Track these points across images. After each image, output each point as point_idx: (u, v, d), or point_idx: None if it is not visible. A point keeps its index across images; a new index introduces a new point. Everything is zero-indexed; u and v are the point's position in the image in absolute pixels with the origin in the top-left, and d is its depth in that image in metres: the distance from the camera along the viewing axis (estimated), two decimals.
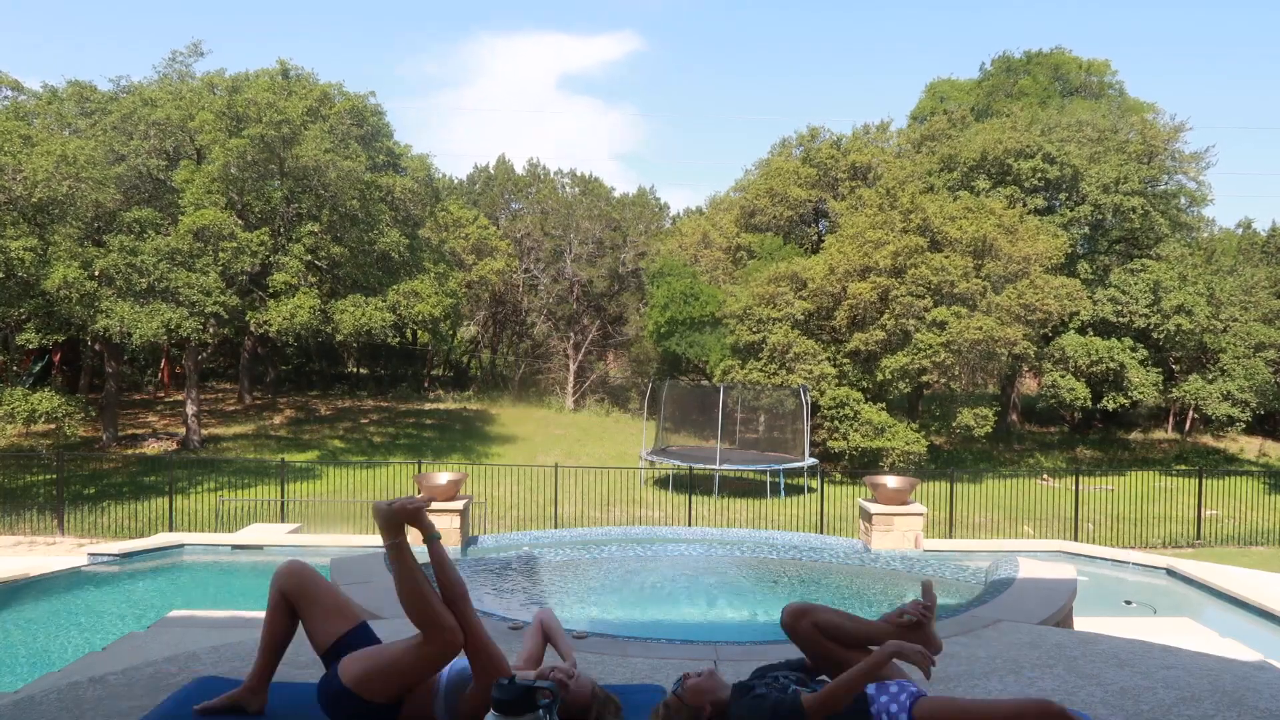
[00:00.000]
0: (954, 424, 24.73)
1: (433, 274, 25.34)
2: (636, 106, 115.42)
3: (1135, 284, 26.65)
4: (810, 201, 30.69)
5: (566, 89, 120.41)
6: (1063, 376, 26.08)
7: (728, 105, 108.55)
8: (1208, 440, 31.85)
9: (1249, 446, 30.99)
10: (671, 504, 19.04)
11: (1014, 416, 33.53)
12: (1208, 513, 17.07)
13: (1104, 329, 26.93)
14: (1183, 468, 24.31)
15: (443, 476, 9.90)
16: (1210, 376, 26.61)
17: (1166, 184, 29.26)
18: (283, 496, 16.05)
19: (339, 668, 3.15)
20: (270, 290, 22.12)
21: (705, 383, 27.56)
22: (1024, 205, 27.07)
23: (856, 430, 22.64)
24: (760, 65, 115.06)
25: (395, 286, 23.82)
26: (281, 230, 23.09)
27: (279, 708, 3.45)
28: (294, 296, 21.82)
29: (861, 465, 22.12)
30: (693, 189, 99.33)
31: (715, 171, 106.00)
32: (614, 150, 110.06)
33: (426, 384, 39.34)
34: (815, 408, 23.13)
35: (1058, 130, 29.15)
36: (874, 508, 10.03)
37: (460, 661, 3.34)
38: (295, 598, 3.35)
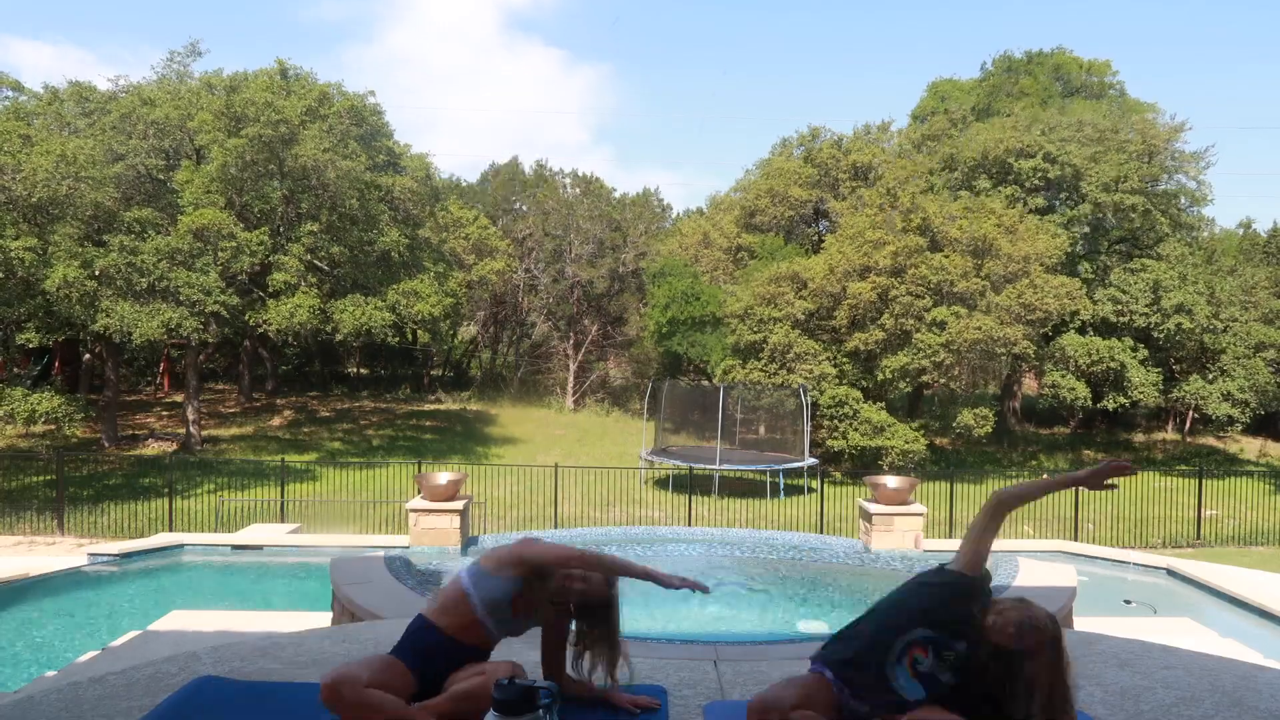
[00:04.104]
0: (954, 424, 24.71)
1: (432, 274, 25.31)
2: (614, 65, 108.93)
3: (1135, 284, 26.62)
4: (810, 202, 30.68)
5: (513, 31, 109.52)
6: (1063, 376, 26.05)
7: (728, 105, 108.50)
8: (1209, 440, 31.83)
9: (1249, 447, 30.97)
10: (671, 504, 19.03)
11: (1014, 422, 33.51)
12: (1208, 513, 17.07)
13: (1104, 329, 26.90)
14: (1183, 468, 24.28)
15: (442, 476, 9.88)
16: (1211, 376, 26.59)
17: (1167, 184, 29.24)
18: (282, 497, 16.05)
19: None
20: (270, 290, 22.11)
21: (705, 383, 27.54)
22: (1024, 205, 27.05)
23: (856, 429, 22.63)
24: (760, 65, 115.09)
25: (395, 286, 23.78)
26: (281, 230, 23.08)
27: (283, 709, 3.44)
28: (294, 296, 21.81)
29: (861, 465, 22.11)
30: (670, 168, 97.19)
31: (712, 167, 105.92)
32: (584, 120, 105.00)
33: (426, 384, 39.30)
34: (815, 407, 23.13)
35: (1058, 130, 29.13)
36: (874, 508, 10.02)
37: (491, 582, 3.36)
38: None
